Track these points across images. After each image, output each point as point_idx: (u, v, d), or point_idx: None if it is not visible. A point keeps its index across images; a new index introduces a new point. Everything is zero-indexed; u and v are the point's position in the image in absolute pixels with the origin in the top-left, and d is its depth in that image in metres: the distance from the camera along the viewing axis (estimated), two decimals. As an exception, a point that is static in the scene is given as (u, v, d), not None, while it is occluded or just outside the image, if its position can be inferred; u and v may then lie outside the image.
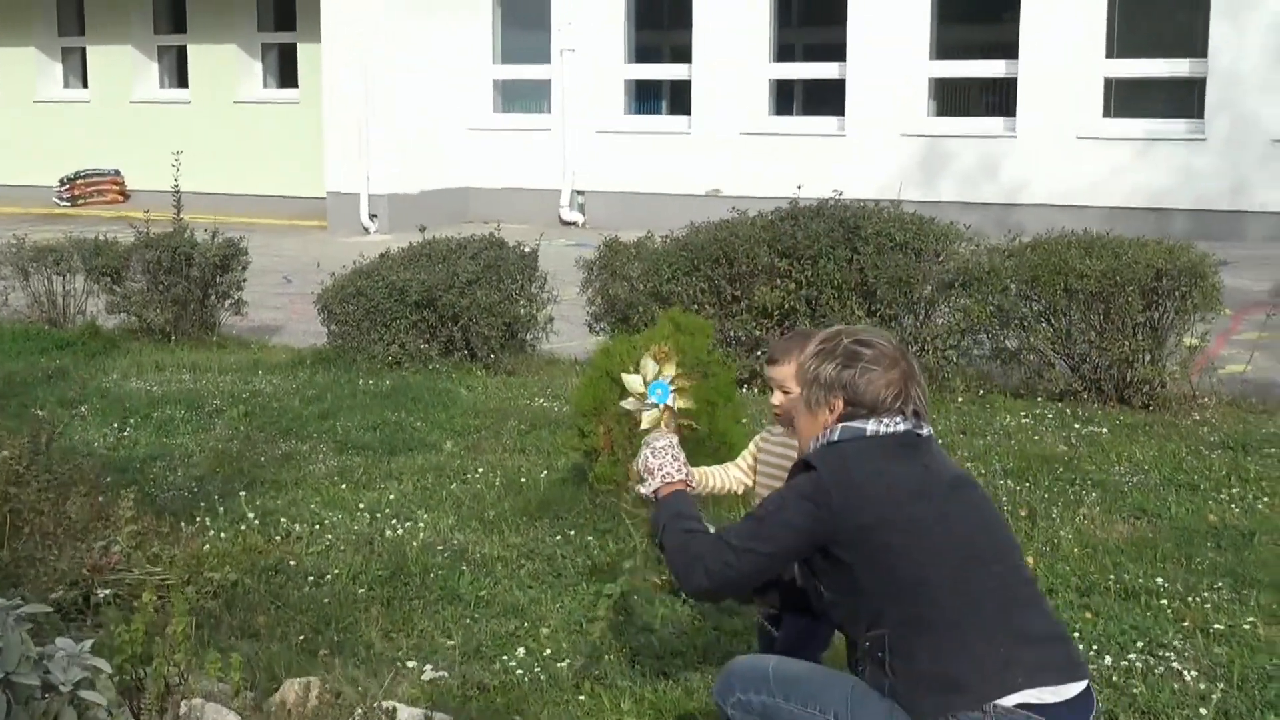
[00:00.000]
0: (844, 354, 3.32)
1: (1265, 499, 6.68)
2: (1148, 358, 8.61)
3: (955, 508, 3.24)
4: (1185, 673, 4.67)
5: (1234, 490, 6.79)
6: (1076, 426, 8.20)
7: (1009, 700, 3.05)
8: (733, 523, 3.45)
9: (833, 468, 3.23)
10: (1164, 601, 5.24)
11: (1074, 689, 3.13)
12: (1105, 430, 8.08)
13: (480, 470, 7.18)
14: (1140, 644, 4.89)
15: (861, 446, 3.27)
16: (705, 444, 5.80)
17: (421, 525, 6.28)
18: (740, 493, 4.42)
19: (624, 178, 19.00)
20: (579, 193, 19.47)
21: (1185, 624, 5.05)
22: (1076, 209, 15.26)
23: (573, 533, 6.14)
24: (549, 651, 4.89)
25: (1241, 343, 10.09)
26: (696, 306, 8.80)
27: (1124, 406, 8.58)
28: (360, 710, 2.77)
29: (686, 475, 3.64)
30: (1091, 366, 8.81)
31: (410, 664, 4.70)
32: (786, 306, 9.11)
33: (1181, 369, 8.58)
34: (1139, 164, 16.33)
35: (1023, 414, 8.47)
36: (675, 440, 3.69)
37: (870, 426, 3.28)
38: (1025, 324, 8.87)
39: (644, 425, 3.84)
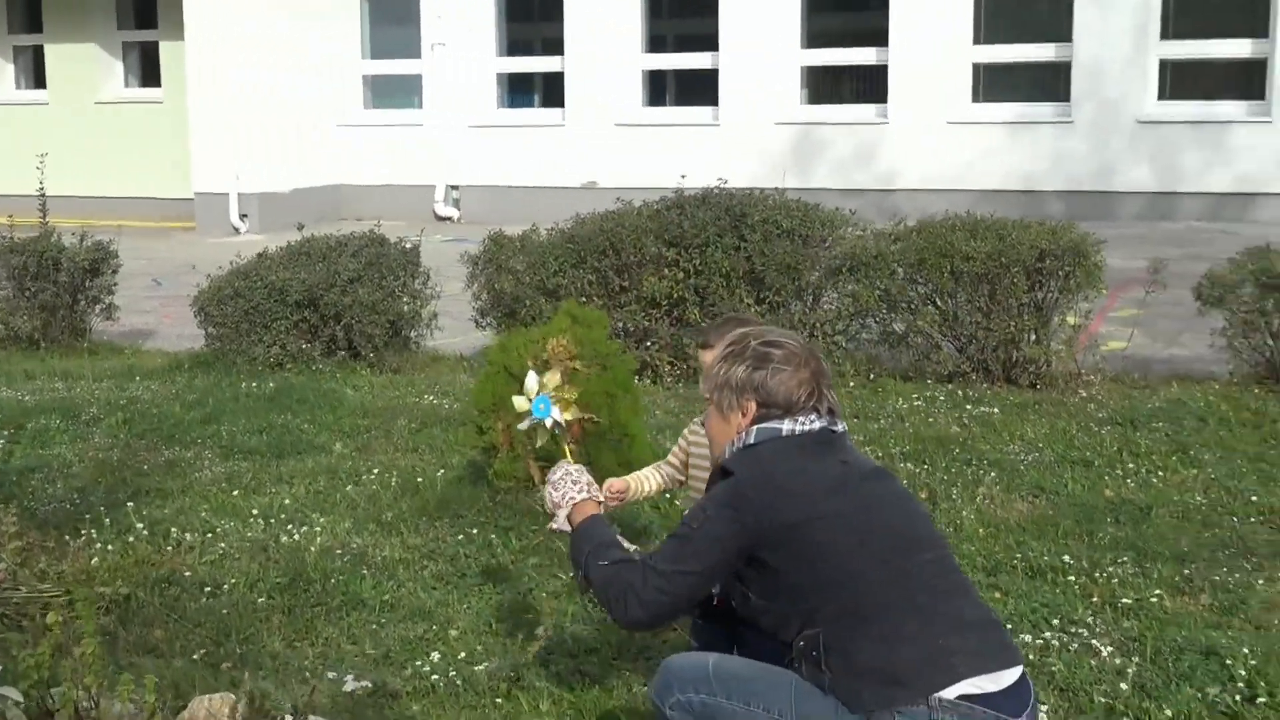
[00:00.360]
0: (753, 356, 3.30)
1: (1160, 473, 6.77)
2: (1033, 337, 8.67)
3: (877, 500, 3.23)
4: (1101, 648, 4.68)
5: (1128, 465, 6.86)
6: (968, 407, 8.25)
7: (950, 692, 3.03)
8: (657, 548, 3.37)
9: (751, 471, 3.20)
10: (1071, 578, 5.26)
11: (1011, 675, 3.12)
12: (996, 410, 8.14)
13: (374, 471, 7.05)
14: (1054, 621, 4.91)
15: (778, 446, 3.25)
16: (606, 436, 5.80)
17: (318, 530, 6.14)
18: (677, 488, 4.41)
19: (498, 172, 18.85)
20: (453, 188, 19.28)
21: (1094, 599, 5.07)
22: (950, 192, 15.44)
23: (474, 531, 6.02)
24: (462, 654, 4.78)
25: (1118, 320, 10.22)
26: (585, 299, 8.73)
27: (1011, 386, 8.66)
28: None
29: (593, 494, 3.60)
30: (978, 347, 8.88)
31: (330, 675, 4.50)
32: (675, 296, 9.04)
33: (1066, 347, 8.69)
34: (1009, 147, 16.57)
35: (914, 396, 8.51)
36: (571, 466, 3.65)
37: (786, 426, 3.26)
38: (912, 307, 8.91)
39: (539, 442, 3.84)
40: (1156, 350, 9.71)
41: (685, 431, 4.25)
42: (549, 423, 3.77)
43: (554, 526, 3.59)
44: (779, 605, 3.18)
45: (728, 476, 3.22)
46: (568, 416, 3.80)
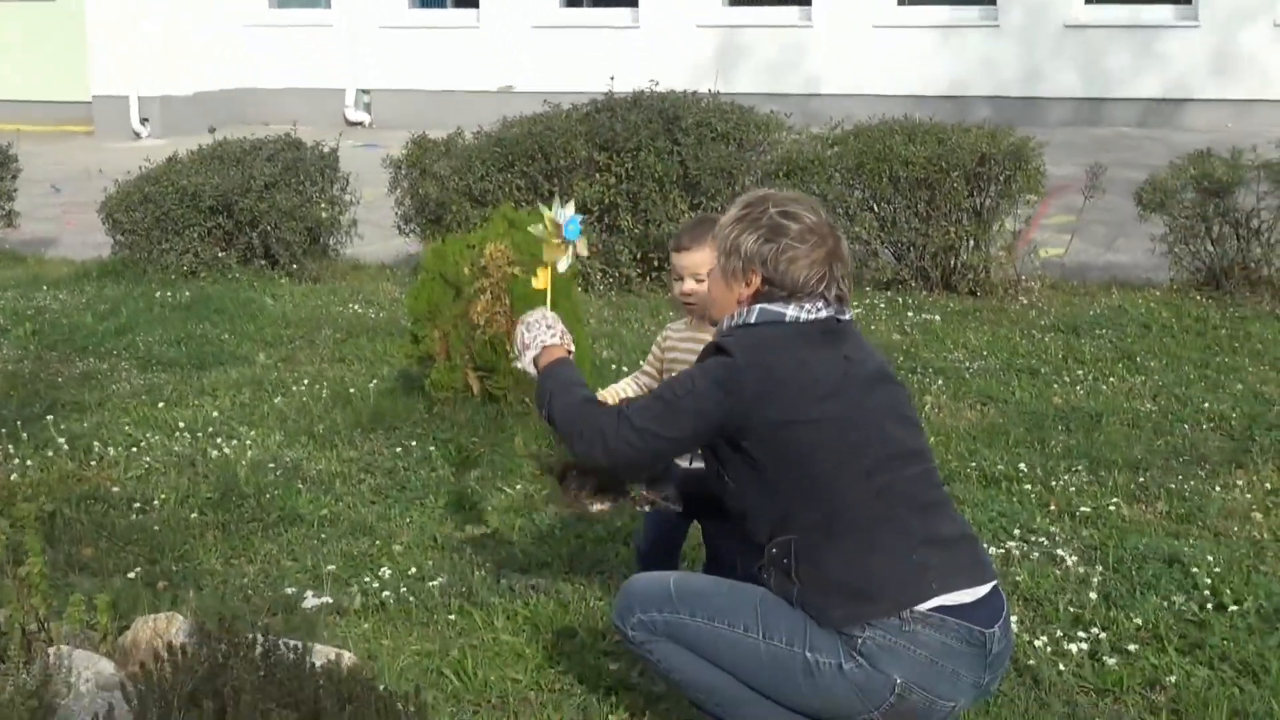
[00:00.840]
0: (768, 226, 3.18)
1: (1108, 380, 6.78)
2: (972, 243, 8.69)
3: (875, 404, 3.14)
4: (1065, 557, 4.68)
5: (1075, 373, 6.86)
6: (909, 314, 8.23)
7: (924, 605, 3.00)
8: (638, 399, 3.32)
9: (749, 355, 3.09)
10: (1027, 487, 5.25)
11: (984, 589, 3.09)
12: (937, 318, 8.12)
13: (303, 383, 6.92)
14: (1014, 531, 4.91)
15: (780, 334, 3.14)
16: None
17: (248, 443, 6.02)
18: None
19: (411, 75, 18.48)
20: (364, 91, 18.85)
21: (1051, 508, 5.07)
22: (876, 98, 15.28)
23: (413, 444, 5.92)
24: (412, 570, 4.70)
25: (1052, 227, 10.16)
26: (514, 205, 8.21)
27: (950, 293, 8.66)
28: (260, 643, 2.49)
29: (565, 341, 3.51)
30: (917, 254, 8.87)
31: (289, 590, 4.37)
32: (607, 202, 8.92)
33: (1006, 254, 8.72)
34: (935, 52, 16.48)
35: (854, 304, 8.29)
36: (548, 313, 3.56)
37: (790, 312, 3.14)
38: (850, 213, 8.82)
39: (557, 261, 3.72)
40: (1093, 257, 9.70)
41: (659, 339, 4.17)
42: (572, 245, 3.70)
43: (518, 364, 3.53)
44: (752, 499, 3.12)
45: (723, 354, 3.12)
46: (582, 253, 3.78)
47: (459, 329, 6.03)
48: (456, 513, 5.16)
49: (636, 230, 8.88)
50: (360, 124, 18.71)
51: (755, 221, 3.19)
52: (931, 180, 8.60)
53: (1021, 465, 5.48)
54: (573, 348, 3.54)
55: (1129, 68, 15.75)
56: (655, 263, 8.86)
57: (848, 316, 3.23)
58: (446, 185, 9.18)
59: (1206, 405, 6.30)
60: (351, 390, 6.73)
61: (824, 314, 3.16)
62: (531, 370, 3.46)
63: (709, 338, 3.30)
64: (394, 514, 5.20)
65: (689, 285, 3.85)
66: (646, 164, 8.89)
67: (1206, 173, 8.33)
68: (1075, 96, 16.16)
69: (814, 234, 3.18)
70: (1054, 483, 5.32)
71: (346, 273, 9.72)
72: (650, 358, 4.17)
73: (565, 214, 3.66)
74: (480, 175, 9.10)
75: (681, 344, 4.04)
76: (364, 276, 9.65)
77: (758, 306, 3.16)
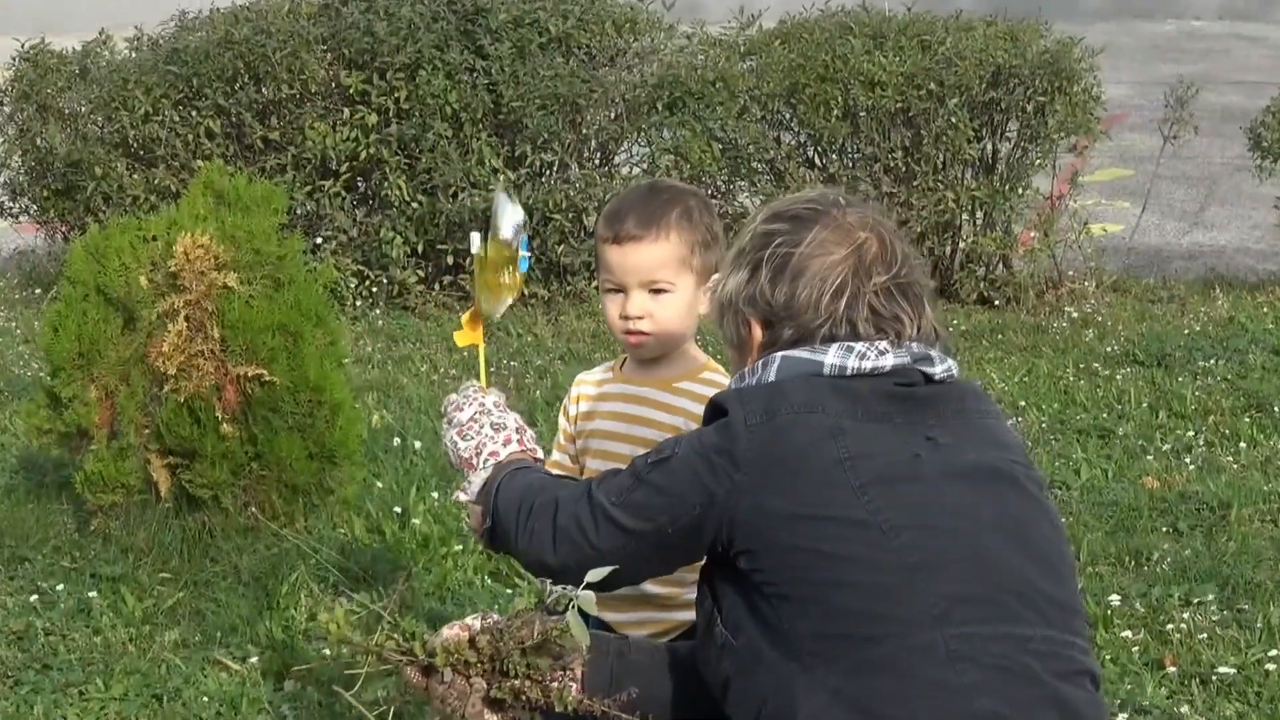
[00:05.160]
0: (753, 244, 2.84)
1: (1231, 444, 6.11)
2: (982, 217, 7.76)
3: (967, 508, 2.72)
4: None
5: (1175, 432, 6.23)
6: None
7: None
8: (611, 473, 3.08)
9: (757, 414, 2.78)
10: (1126, 633, 4.60)
11: None
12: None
13: None
14: (1114, 708, 4.19)
15: (810, 390, 2.81)
16: (284, 405, 5.22)
17: None
18: None
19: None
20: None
21: (1168, 669, 4.39)
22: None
23: (57, 587, 5.16)
24: None
25: (1097, 186, 9.22)
26: (202, 161, 7.54)
27: (950, 301, 7.82)
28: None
29: (526, 442, 3.12)
30: (888, 235, 7.73)
31: None
32: (364, 157, 8.02)
33: (1042, 234, 7.60)
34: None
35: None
36: (488, 392, 3.22)
37: (830, 359, 2.80)
38: (779, 167, 7.92)
39: (495, 305, 3.31)
40: (1172, 235, 8.81)
41: (568, 399, 3.55)
42: (520, 277, 3.37)
43: (461, 497, 3.12)
44: (747, 659, 2.72)
45: (721, 414, 2.85)
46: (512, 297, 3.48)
47: (133, 383, 5.40)
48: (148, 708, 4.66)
49: (415, 205, 7.97)
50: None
51: (741, 254, 2.87)
52: (914, 113, 7.71)
53: (1113, 597, 4.90)
54: (537, 450, 3.13)
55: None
56: (450, 260, 8.02)
57: (941, 370, 2.85)
58: (84, 132, 8.43)
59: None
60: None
61: (889, 360, 2.80)
62: (475, 504, 3.05)
63: (667, 396, 3.33)
64: (33, 715, 4.50)
65: (637, 303, 3.29)
66: (431, 91, 7.97)
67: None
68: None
69: (823, 223, 2.78)
70: (1167, 624, 4.75)
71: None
72: (559, 435, 3.59)
73: (516, 220, 3.33)
74: (143, 114, 8.12)
75: (607, 406, 3.47)
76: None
77: (777, 356, 2.86)
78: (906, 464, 2.76)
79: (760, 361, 2.84)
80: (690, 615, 3.11)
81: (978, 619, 2.66)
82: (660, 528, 2.81)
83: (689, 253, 3.14)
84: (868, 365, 2.77)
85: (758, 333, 2.86)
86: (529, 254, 3.43)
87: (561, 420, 3.65)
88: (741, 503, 2.75)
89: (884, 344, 2.79)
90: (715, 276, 3.05)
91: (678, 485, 2.80)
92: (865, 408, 2.78)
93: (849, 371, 2.78)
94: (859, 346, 2.77)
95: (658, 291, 3.28)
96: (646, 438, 3.23)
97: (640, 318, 3.31)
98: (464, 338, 3.41)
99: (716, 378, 3.24)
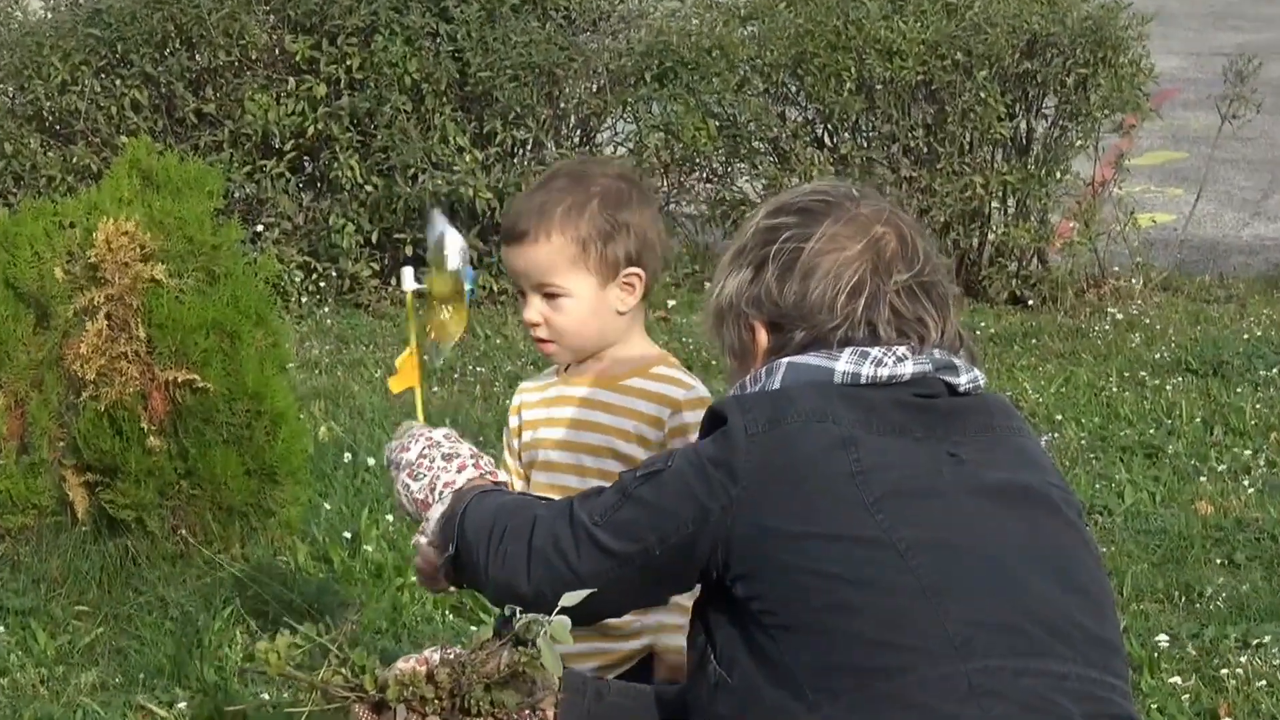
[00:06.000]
0: (754, 242, 2.91)
1: None
2: (1014, 206, 7.90)
3: (992, 529, 2.72)
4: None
5: (1233, 451, 6.19)
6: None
7: None
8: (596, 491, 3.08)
9: (759, 423, 2.79)
10: (1175, 679, 4.55)
11: None
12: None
13: None
14: None
15: (818, 398, 2.81)
16: (219, 416, 5.18)
17: None
18: None
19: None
20: None
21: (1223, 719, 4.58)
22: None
23: None
24: None
25: (1144, 171, 9.38)
26: (127, 137, 7.49)
27: (978, 300, 7.90)
28: None
29: (484, 467, 3.12)
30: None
31: None
32: (311, 134, 8.09)
33: (1083, 226, 7.65)
34: None
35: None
36: (431, 431, 3.19)
37: (841, 365, 2.81)
38: (783, 147, 7.99)
39: (438, 345, 3.38)
40: (1229, 227, 8.94)
41: (512, 408, 3.58)
42: (463, 309, 3.43)
43: (421, 540, 3.10)
44: (740, 693, 2.75)
45: (719, 422, 2.87)
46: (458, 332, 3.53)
47: (47, 390, 5.43)
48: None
49: (369, 189, 7.95)
50: None
51: (741, 253, 2.95)
52: (937, 87, 7.77)
53: (1160, 638, 4.85)
54: (497, 474, 3.15)
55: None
56: (409, 251, 7.85)
57: (965, 381, 2.85)
58: (-10, 102, 8.95)
59: None
60: None
61: (909, 368, 2.80)
62: (430, 544, 3.04)
63: (613, 396, 3.34)
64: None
65: (533, 309, 3.36)
66: (387, 59, 8.00)
67: None
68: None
69: (831, 216, 2.81)
70: (1222, 669, 4.69)
71: None
72: (504, 453, 3.65)
73: (461, 245, 3.36)
74: (59, 83, 8.16)
75: (548, 412, 3.51)
76: None
77: (783, 363, 2.86)
78: (926, 479, 2.77)
79: (764, 368, 2.87)
80: (641, 644, 3.16)
81: (1005, 651, 2.64)
82: (648, 549, 2.80)
83: (580, 251, 3.10)
84: (885, 373, 2.78)
85: (763, 337, 2.89)
86: (473, 286, 3.42)
87: (505, 435, 3.65)
88: (739, 520, 2.75)
89: (903, 349, 2.80)
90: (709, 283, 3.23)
91: (668, 501, 2.80)
92: (880, 419, 2.78)
93: (863, 379, 2.79)
94: (875, 352, 2.78)
95: (552, 296, 3.28)
96: (591, 443, 3.27)
97: (537, 324, 3.34)
98: (399, 382, 3.43)
99: (672, 372, 3.23)
